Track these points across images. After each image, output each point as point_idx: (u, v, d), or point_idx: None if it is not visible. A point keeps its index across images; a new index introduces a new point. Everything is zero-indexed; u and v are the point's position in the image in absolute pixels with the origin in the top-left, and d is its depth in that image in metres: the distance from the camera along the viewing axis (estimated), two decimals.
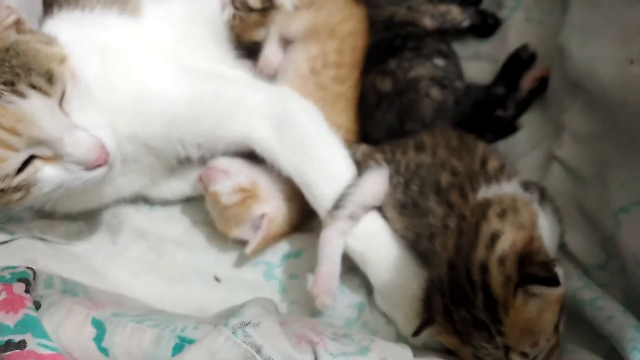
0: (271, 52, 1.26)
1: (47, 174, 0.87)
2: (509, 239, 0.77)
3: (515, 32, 1.24)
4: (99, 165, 0.89)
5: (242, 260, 1.13)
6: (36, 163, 0.86)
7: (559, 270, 0.77)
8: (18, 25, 0.90)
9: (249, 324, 0.69)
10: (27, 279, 0.80)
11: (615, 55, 0.87)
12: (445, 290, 0.81)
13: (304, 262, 1.10)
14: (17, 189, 0.85)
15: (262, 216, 1.07)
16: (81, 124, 0.89)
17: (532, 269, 0.74)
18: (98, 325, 0.74)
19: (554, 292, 0.75)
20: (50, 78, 0.85)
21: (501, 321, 0.74)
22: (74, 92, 0.89)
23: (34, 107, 0.82)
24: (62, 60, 0.89)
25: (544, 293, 0.75)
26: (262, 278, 1.10)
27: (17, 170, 0.84)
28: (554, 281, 0.74)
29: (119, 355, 0.72)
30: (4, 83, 0.81)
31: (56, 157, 0.86)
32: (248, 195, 1.07)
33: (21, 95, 0.81)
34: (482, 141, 1.00)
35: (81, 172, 0.88)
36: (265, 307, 0.74)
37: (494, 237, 0.78)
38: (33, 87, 0.83)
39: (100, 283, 1.04)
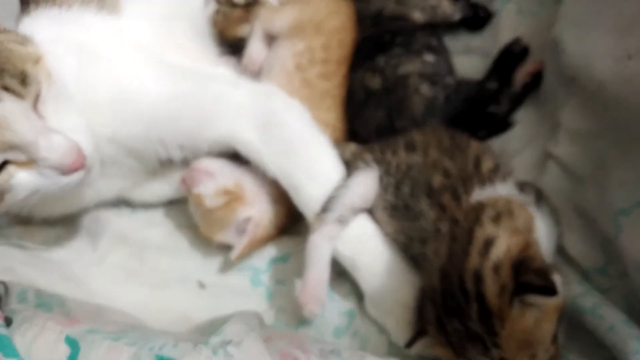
0: (255, 50, 1.23)
1: (21, 179, 0.83)
2: (503, 245, 0.75)
3: (508, 25, 1.21)
4: (76, 170, 0.86)
5: (227, 266, 1.10)
6: (10, 169, 0.82)
7: (557, 278, 0.74)
8: None
9: (230, 342, 0.66)
10: None
11: (612, 50, 0.85)
12: (438, 300, 0.78)
13: (291, 267, 1.07)
14: None
15: (248, 220, 1.03)
16: (57, 126, 0.85)
17: (528, 277, 0.71)
18: (72, 343, 0.71)
19: (552, 301, 0.73)
20: (24, 80, 0.82)
21: (497, 333, 0.72)
22: (50, 93, 0.86)
23: (7, 110, 0.79)
24: (37, 60, 0.86)
25: (541, 302, 0.72)
26: (248, 284, 1.07)
27: None
28: (551, 290, 0.71)
29: None
30: None
31: (31, 162, 0.83)
32: (233, 197, 1.04)
33: None
34: (475, 140, 0.97)
35: (57, 177, 0.85)
36: (249, 322, 0.71)
37: (488, 243, 0.76)
38: (6, 89, 0.80)
39: (81, 291, 1.01)
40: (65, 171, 0.84)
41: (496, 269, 0.73)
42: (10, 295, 0.82)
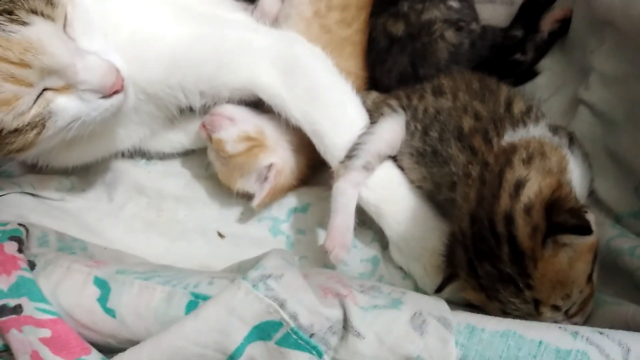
0: (268, 1, 1.19)
1: (61, 104, 0.82)
2: (535, 186, 0.74)
3: None
4: (116, 92, 0.85)
5: (246, 216, 1.10)
6: (48, 95, 0.81)
7: (591, 217, 0.74)
8: None
9: (270, 276, 0.65)
10: (20, 237, 0.76)
11: None
12: (468, 244, 0.78)
13: (311, 217, 1.07)
14: (32, 125, 0.80)
15: (270, 167, 1.03)
16: (90, 48, 0.84)
17: (561, 217, 0.70)
18: (101, 284, 0.70)
19: (586, 241, 0.73)
20: (50, 1, 0.80)
21: (529, 274, 0.71)
22: (75, 15, 0.84)
23: (40, 33, 0.77)
24: None
25: (575, 242, 0.71)
26: (268, 234, 1.07)
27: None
28: (585, 229, 0.70)
29: (127, 316, 0.68)
30: (1, 13, 0.75)
31: (69, 87, 0.82)
32: (255, 144, 1.02)
33: (22, 23, 0.76)
34: (505, 84, 0.96)
35: (98, 100, 0.84)
36: (286, 258, 0.69)
37: (519, 185, 0.75)
38: (34, 12, 0.77)
39: (96, 239, 1.00)
40: (106, 93, 0.83)
41: (527, 210, 0.72)
42: (31, 239, 0.81)
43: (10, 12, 0.75)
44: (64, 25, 0.81)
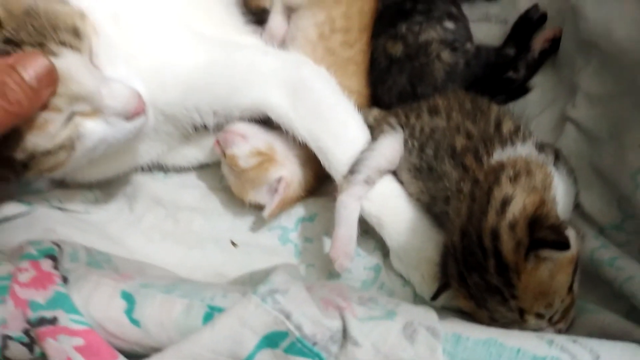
0: (275, 24, 1.25)
1: (89, 128, 0.87)
2: (519, 204, 0.78)
3: None
4: (138, 115, 0.90)
5: (257, 225, 1.14)
6: (76, 119, 0.86)
7: (570, 233, 0.78)
8: None
9: (277, 291, 0.70)
10: (54, 255, 0.80)
11: (633, 15, 0.86)
12: (459, 256, 0.82)
13: (318, 226, 1.11)
14: (62, 147, 0.86)
15: (280, 179, 1.08)
16: (113, 76, 0.89)
17: (542, 233, 0.75)
18: (127, 297, 0.75)
19: (566, 255, 0.76)
20: (77, 34, 0.85)
21: (514, 285, 0.76)
22: (99, 45, 0.89)
23: (69, 64, 0.82)
24: (83, 16, 0.89)
25: (554, 256, 0.76)
26: (277, 242, 1.12)
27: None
28: (563, 244, 0.75)
29: (151, 326, 0.72)
30: (33, 45, 0.81)
31: (96, 112, 0.87)
32: (265, 158, 1.08)
33: (53, 54, 0.81)
34: (495, 103, 1.00)
35: (122, 123, 0.89)
36: (292, 273, 0.75)
37: (505, 202, 0.79)
38: (63, 44, 0.83)
39: (119, 250, 1.05)
40: (129, 117, 0.89)
41: (512, 226, 0.76)
42: (64, 255, 0.85)
43: (41, 44, 0.81)
44: (90, 55, 0.87)
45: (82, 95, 0.84)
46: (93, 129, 0.88)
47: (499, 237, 0.77)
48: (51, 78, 0.80)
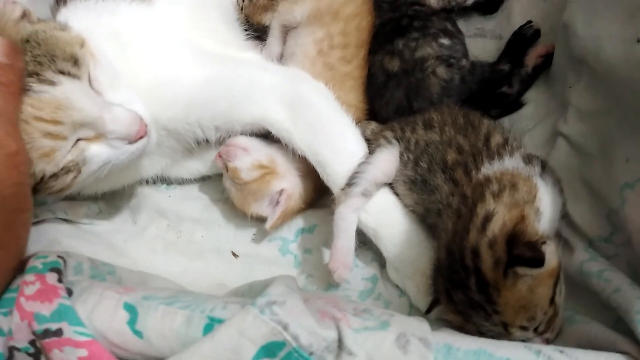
0: (272, 48, 1.28)
1: (93, 152, 0.90)
2: (499, 221, 0.80)
3: (520, 9, 1.26)
4: (140, 137, 0.93)
5: (258, 237, 1.17)
6: (81, 144, 0.89)
7: (549, 248, 0.80)
8: (25, 17, 0.90)
9: (275, 302, 0.72)
10: (59, 269, 0.82)
11: (621, 34, 0.87)
12: (445, 274, 0.85)
13: (317, 237, 1.14)
14: (67, 170, 0.88)
15: (281, 192, 1.10)
16: (114, 100, 0.91)
17: (519, 249, 0.77)
18: (130, 309, 0.76)
19: (545, 269, 0.78)
20: (75, 62, 0.87)
21: (495, 302, 0.78)
22: (98, 71, 0.91)
23: (68, 91, 0.85)
24: (82, 44, 0.91)
25: (532, 272, 0.78)
26: (278, 253, 1.14)
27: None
28: (538, 261, 0.76)
29: (153, 337, 0.74)
30: (29, 75, 0.82)
31: (99, 136, 0.90)
32: (267, 171, 1.10)
33: (50, 83, 0.84)
34: (487, 118, 1.02)
35: (125, 146, 0.92)
36: (290, 285, 0.77)
37: (487, 219, 0.81)
38: (61, 72, 0.85)
39: (122, 260, 1.07)
40: (132, 140, 0.92)
41: (491, 244, 0.79)
42: (68, 268, 0.88)
43: (37, 74, 0.83)
44: (90, 81, 0.89)
45: (85, 122, 0.87)
46: (97, 152, 0.91)
47: (479, 256, 0.79)
48: (16, 48, 0.81)
